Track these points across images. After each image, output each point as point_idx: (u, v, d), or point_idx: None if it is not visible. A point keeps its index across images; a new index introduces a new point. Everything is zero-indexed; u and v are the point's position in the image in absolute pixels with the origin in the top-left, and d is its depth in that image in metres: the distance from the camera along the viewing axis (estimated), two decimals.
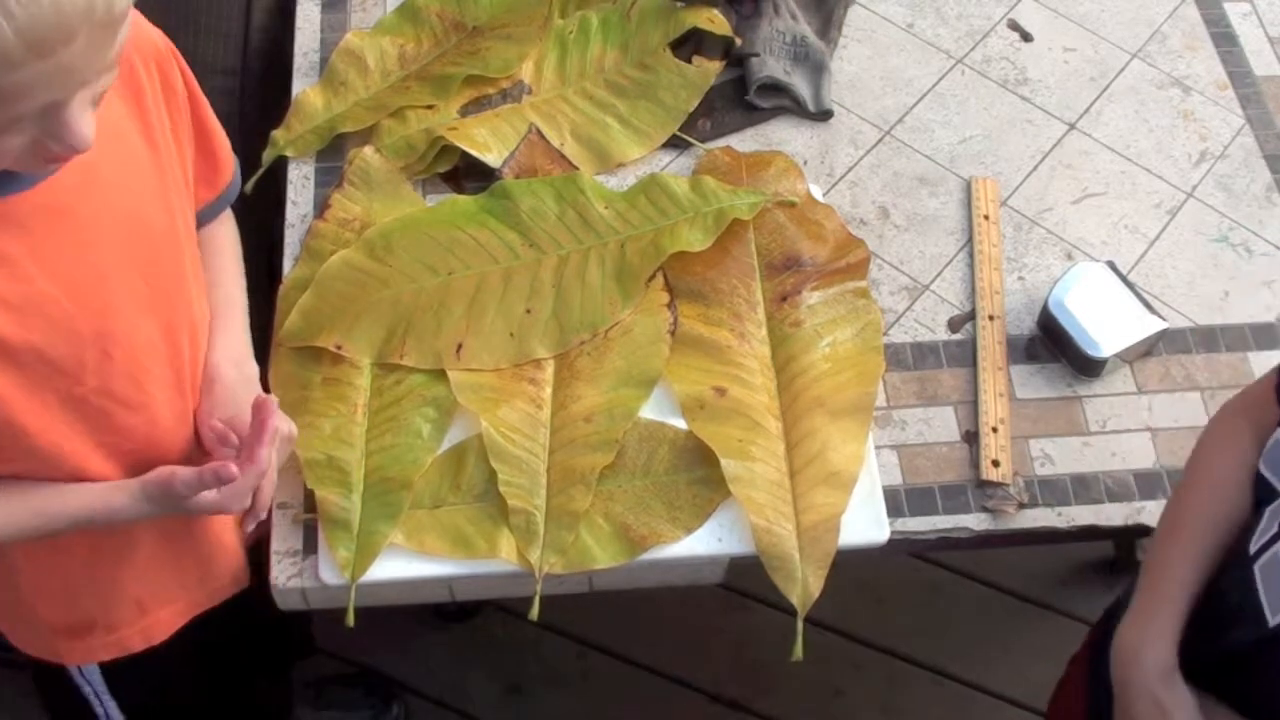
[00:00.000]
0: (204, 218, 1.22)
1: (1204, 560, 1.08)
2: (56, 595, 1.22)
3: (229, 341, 1.22)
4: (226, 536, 1.27)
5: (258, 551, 1.29)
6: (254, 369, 1.24)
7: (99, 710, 1.36)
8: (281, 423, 1.14)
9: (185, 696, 1.45)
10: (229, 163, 1.23)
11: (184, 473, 1.07)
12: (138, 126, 1.06)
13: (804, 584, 1.23)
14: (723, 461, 1.27)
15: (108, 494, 1.09)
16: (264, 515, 1.19)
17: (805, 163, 1.55)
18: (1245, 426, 1.11)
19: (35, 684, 1.44)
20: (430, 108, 1.52)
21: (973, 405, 1.37)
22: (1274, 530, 0.99)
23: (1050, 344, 1.41)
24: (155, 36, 1.10)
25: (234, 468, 1.07)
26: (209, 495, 1.09)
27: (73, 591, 1.21)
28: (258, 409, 1.12)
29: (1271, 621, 0.97)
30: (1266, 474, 1.04)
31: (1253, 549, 1.01)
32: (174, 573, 1.26)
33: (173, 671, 1.35)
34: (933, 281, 1.47)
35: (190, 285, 1.15)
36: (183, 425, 1.16)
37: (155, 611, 1.27)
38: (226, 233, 1.27)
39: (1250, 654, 1.01)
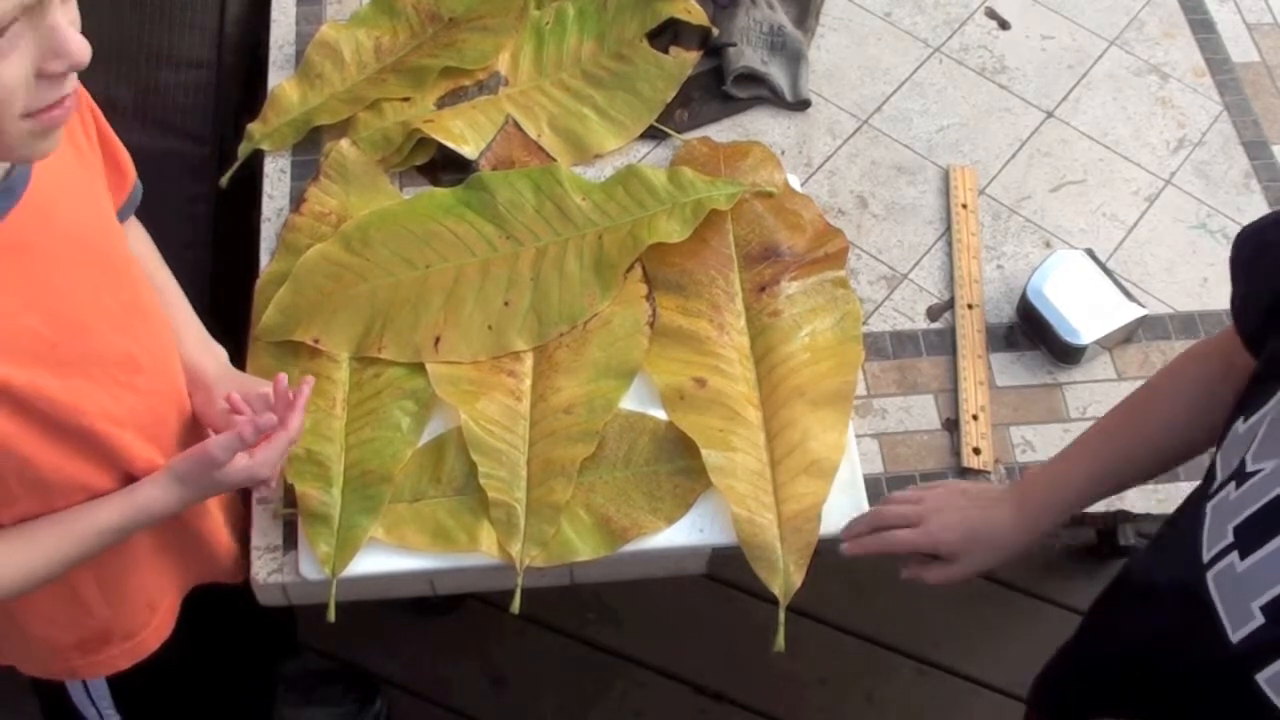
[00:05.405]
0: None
1: (1130, 460, 1.13)
2: (66, 618, 1.20)
3: (190, 332, 1.23)
4: (220, 530, 1.27)
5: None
6: (221, 349, 1.26)
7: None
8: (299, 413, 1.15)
9: (172, 697, 1.44)
10: (130, 167, 1.21)
11: (218, 437, 1.07)
12: (73, 153, 1.06)
13: (786, 574, 1.23)
14: (703, 452, 1.26)
15: (132, 492, 1.09)
16: (273, 488, 1.21)
17: (783, 153, 1.55)
18: (1214, 356, 1.10)
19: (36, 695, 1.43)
20: (406, 100, 1.52)
21: (953, 393, 1.37)
22: (1229, 539, 0.87)
23: (1029, 332, 1.41)
24: None
25: (271, 415, 1.08)
26: (242, 461, 1.09)
27: (86, 609, 1.20)
28: (279, 382, 1.13)
29: (1234, 638, 0.85)
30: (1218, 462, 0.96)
31: (1205, 557, 0.89)
32: (178, 564, 1.26)
33: (171, 669, 1.34)
34: (911, 270, 1.47)
35: (149, 290, 1.15)
36: (174, 428, 1.16)
37: (162, 604, 1.27)
38: (139, 233, 1.26)
39: (1205, 679, 0.90)
